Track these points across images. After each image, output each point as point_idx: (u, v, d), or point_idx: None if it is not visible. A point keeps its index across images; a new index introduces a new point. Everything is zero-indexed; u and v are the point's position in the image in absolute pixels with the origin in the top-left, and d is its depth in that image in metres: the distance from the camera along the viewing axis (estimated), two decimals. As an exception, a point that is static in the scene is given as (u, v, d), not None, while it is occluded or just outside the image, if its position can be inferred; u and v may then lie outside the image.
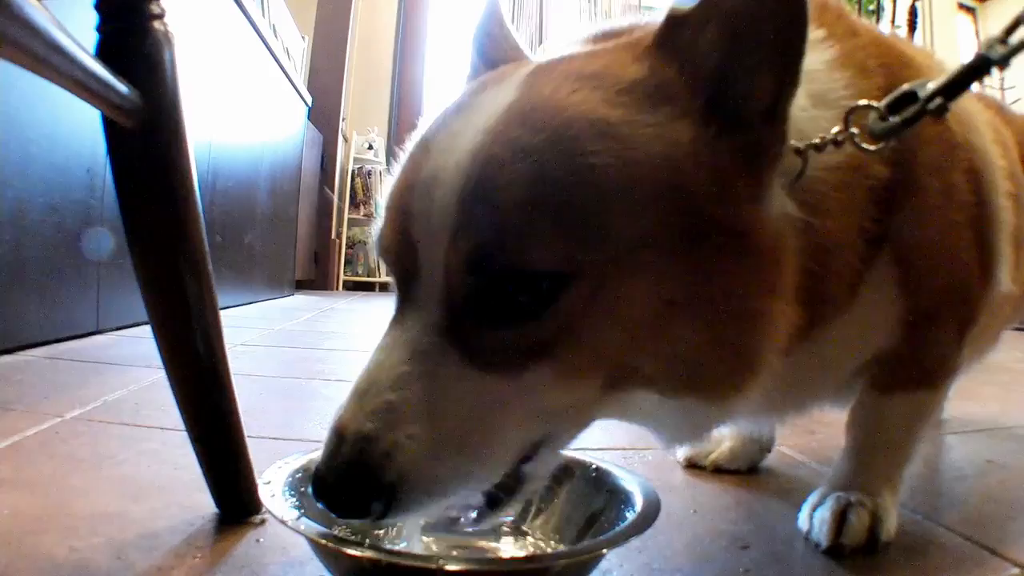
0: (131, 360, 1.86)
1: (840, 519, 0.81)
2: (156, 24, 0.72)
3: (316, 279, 6.50)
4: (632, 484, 0.71)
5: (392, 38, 7.28)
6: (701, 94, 0.57)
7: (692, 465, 1.13)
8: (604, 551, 0.61)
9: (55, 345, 2.02)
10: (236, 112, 3.69)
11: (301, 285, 5.86)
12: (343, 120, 6.75)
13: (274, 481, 0.67)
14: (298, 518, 0.60)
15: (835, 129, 0.62)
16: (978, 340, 0.93)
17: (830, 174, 0.64)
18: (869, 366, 0.82)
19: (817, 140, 0.61)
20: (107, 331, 2.37)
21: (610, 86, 0.56)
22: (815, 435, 1.34)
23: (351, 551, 0.55)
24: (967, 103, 0.83)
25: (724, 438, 1.12)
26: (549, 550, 0.73)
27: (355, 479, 0.52)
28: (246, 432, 0.83)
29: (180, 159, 0.73)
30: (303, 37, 5.81)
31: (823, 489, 0.87)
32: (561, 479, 0.76)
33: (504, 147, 0.53)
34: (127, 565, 0.68)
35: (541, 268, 0.52)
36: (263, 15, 4.00)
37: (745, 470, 1.11)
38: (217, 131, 3.35)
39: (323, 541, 0.57)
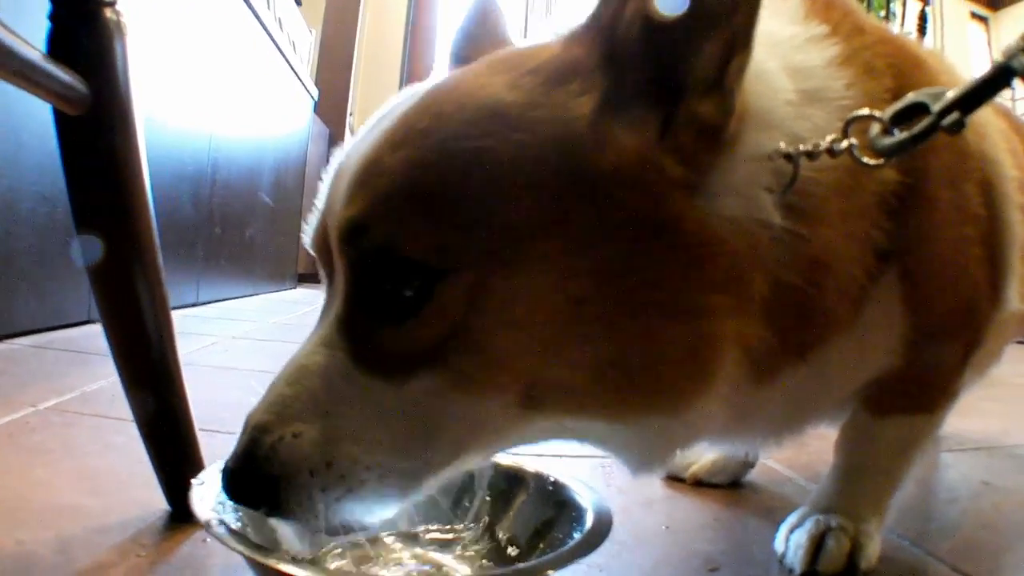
0: (118, 351, 1.83)
1: (817, 543, 0.77)
2: (107, 12, 0.71)
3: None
4: (587, 500, 0.68)
5: (401, 31, 7.26)
6: (620, 69, 0.52)
7: (672, 477, 1.09)
8: (549, 573, 0.57)
9: (45, 334, 2.01)
10: (238, 105, 3.68)
11: (304, 279, 5.85)
12: (350, 115, 6.74)
13: (208, 482, 0.63)
14: (230, 521, 0.58)
15: (830, 137, 0.55)
16: (982, 361, 0.88)
17: (827, 176, 0.57)
18: (866, 386, 0.77)
19: (810, 147, 0.55)
20: (98, 321, 2.34)
21: (518, 69, 0.54)
22: (806, 448, 1.27)
23: (255, 557, 0.53)
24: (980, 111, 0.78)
25: (705, 450, 1.08)
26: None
27: (244, 469, 0.51)
28: (219, 427, 0.81)
29: (128, 148, 0.73)
30: (311, 31, 5.79)
31: (804, 510, 0.83)
32: (515, 491, 0.74)
33: (396, 133, 0.52)
34: (69, 560, 0.67)
35: (408, 256, 0.49)
36: (268, 8, 3.98)
37: (727, 484, 1.07)
38: (218, 124, 3.34)
39: (232, 543, 0.54)
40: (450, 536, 0.72)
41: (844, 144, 0.55)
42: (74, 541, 0.71)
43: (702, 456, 1.08)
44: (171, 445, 0.80)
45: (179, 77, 2.87)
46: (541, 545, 0.68)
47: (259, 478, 0.50)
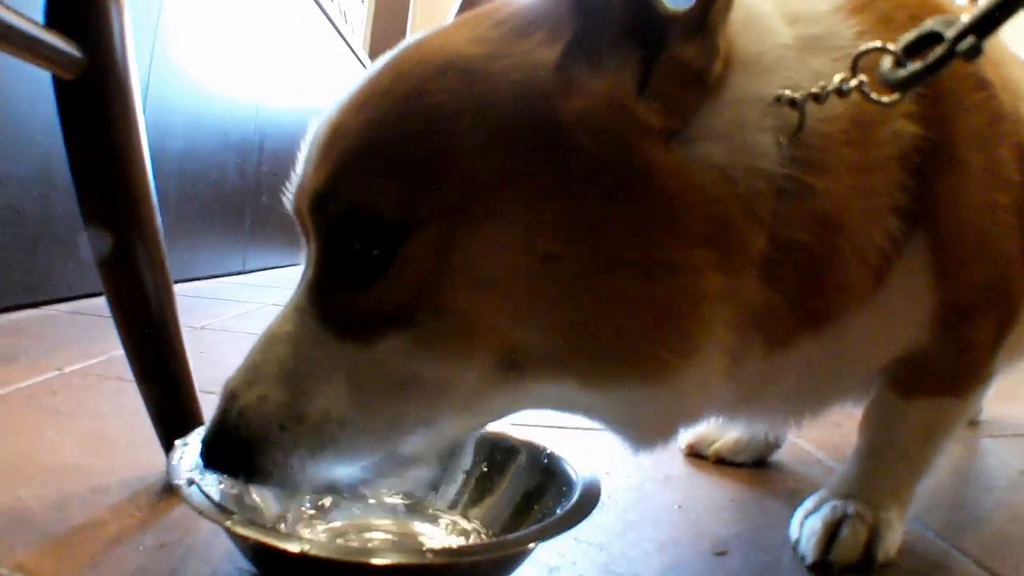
0: (153, 317, 1.85)
1: (832, 531, 0.72)
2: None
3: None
4: (577, 474, 0.66)
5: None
6: (593, 16, 0.49)
7: (694, 454, 1.05)
8: (531, 545, 0.56)
9: (83, 300, 2.02)
10: (286, 75, 3.68)
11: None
12: (404, 84, 6.71)
13: (192, 443, 0.63)
14: (210, 483, 0.58)
15: (838, 76, 0.52)
16: (1018, 343, 0.82)
17: (835, 124, 0.54)
18: (891, 365, 0.73)
19: (816, 89, 0.51)
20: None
21: (484, 23, 0.52)
22: (840, 428, 1.21)
23: (222, 521, 0.53)
24: (1016, 71, 0.72)
25: (729, 428, 1.03)
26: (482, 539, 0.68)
27: (217, 437, 0.51)
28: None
29: (125, 115, 0.73)
30: (363, 0, 5.78)
31: (822, 494, 0.79)
32: (507, 462, 0.72)
33: (360, 96, 0.51)
34: (63, 517, 0.69)
35: (372, 213, 0.48)
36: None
37: (750, 464, 1.03)
38: (265, 94, 3.35)
39: (199, 507, 0.54)
40: (431, 508, 0.71)
41: (853, 82, 0.51)
42: (72, 499, 0.72)
43: (726, 434, 1.04)
44: (174, 413, 0.80)
45: (226, 48, 2.88)
46: (535, 507, 0.67)
47: (230, 443, 0.50)
